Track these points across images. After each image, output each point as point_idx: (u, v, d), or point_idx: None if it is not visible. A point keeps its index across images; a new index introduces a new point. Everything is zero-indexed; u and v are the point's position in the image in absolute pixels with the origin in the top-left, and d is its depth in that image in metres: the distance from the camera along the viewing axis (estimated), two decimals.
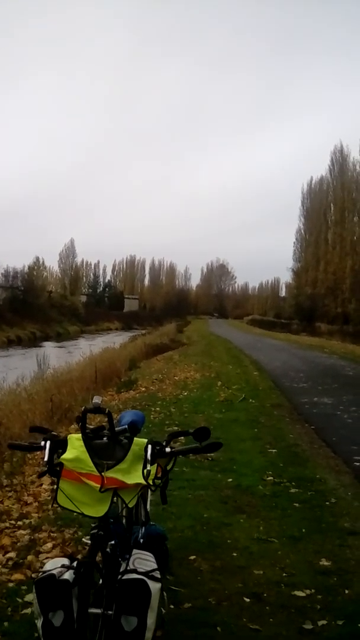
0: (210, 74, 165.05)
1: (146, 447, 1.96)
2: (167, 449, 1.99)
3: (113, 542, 2.01)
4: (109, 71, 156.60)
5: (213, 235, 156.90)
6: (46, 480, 4.77)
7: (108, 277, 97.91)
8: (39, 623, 1.85)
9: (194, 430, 2.00)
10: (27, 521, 4.04)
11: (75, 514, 1.97)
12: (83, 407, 2.04)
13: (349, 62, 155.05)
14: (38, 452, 2.10)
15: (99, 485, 1.89)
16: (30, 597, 2.66)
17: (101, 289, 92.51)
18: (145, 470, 1.90)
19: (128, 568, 1.93)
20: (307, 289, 51.36)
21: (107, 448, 1.99)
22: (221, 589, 3.08)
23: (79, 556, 2.33)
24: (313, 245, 52.11)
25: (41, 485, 4.85)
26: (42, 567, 2.11)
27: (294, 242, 56.09)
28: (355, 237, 44.49)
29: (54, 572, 1.87)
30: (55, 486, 1.98)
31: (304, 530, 3.93)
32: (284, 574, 3.27)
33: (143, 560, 2.01)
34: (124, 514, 2.44)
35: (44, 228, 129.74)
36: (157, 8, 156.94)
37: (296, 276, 56.43)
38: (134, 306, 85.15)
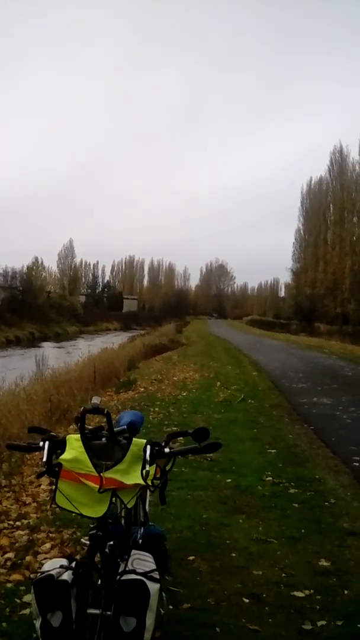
0: (210, 74, 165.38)
1: (145, 448, 1.96)
2: (166, 450, 1.98)
3: (112, 542, 2.01)
4: (109, 71, 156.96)
5: (212, 235, 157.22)
6: (45, 480, 4.76)
7: (107, 278, 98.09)
8: (38, 624, 1.85)
9: (193, 430, 1.99)
10: (25, 521, 4.04)
11: (73, 514, 1.97)
12: (82, 408, 2.03)
13: (349, 62, 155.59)
14: (37, 453, 2.10)
15: (97, 486, 1.89)
16: (29, 597, 2.65)
17: (100, 289, 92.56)
18: (144, 471, 1.90)
19: (127, 569, 1.92)
20: (306, 289, 51.35)
21: (105, 448, 1.98)
22: (220, 590, 3.08)
23: (78, 557, 2.33)
24: (312, 246, 52.10)
25: (40, 485, 4.84)
26: (40, 568, 2.10)
27: (293, 243, 56.14)
28: (354, 238, 44.46)
29: (53, 572, 1.87)
30: (53, 487, 1.97)
31: (303, 530, 3.93)
32: (283, 575, 3.26)
33: (142, 561, 2.00)
34: (122, 514, 2.44)
35: (43, 228, 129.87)
36: (157, 8, 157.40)
37: (295, 276, 56.41)
38: (132, 306, 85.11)
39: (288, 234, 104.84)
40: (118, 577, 1.89)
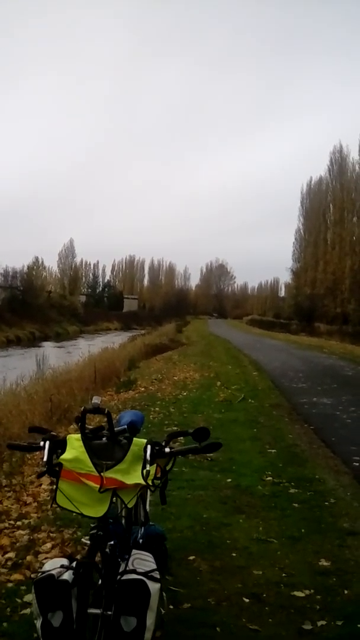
0: (210, 74, 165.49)
1: (145, 448, 1.96)
2: (167, 449, 1.98)
3: (112, 542, 2.01)
4: (109, 71, 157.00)
5: (212, 235, 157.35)
6: (45, 480, 4.76)
7: (107, 277, 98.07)
8: (38, 623, 1.85)
9: (193, 430, 2.00)
10: (26, 521, 4.04)
11: (74, 514, 1.97)
12: (82, 408, 2.03)
13: (349, 62, 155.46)
14: (37, 453, 2.10)
15: (98, 486, 1.89)
16: (30, 597, 2.65)
17: (100, 289, 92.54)
18: (144, 471, 1.90)
19: (127, 568, 1.93)
20: (306, 289, 51.33)
21: (106, 448, 1.99)
22: (220, 590, 3.08)
23: (78, 556, 2.33)
24: (312, 246, 52.08)
25: (40, 485, 4.84)
26: (41, 568, 2.10)
27: (293, 242, 56.12)
28: (354, 238, 44.41)
29: (53, 572, 1.87)
30: (54, 486, 1.97)
31: (303, 530, 3.93)
32: (284, 575, 3.26)
33: (142, 561, 2.01)
34: (123, 514, 2.44)
35: (44, 228, 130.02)
36: (157, 8, 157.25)
37: (295, 276, 56.40)
38: (133, 306, 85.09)
39: (288, 233, 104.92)
40: (118, 576, 1.89)
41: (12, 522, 4.04)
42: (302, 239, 55.05)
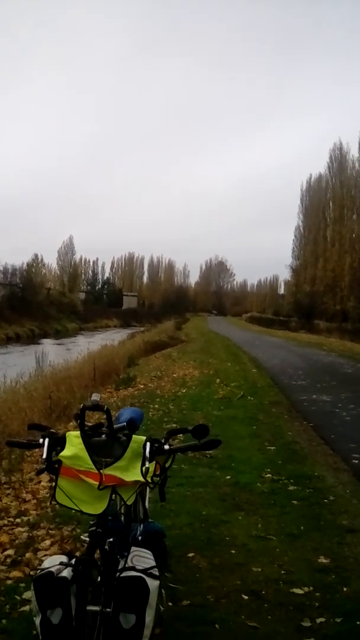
0: (210, 74, 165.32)
1: (145, 445, 1.96)
2: (166, 447, 1.98)
3: (111, 539, 2.01)
4: (109, 67, 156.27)
5: (212, 232, 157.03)
6: (44, 477, 4.76)
7: (107, 274, 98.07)
8: (37, 620, 1.85)
9: (193, 427, 1.99)
10: (25, 518, 4.04)
11: (73, 511, 1.97)
12: (81, 405, 2.03)
13: (349, 62, 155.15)
14: (36, 450, 2.09)
15: (97, 483, 1.89)
16: (29, 594, 2.65)
17: (100, 286, 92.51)
18: (143, 468, 1.90)
19: (126, 565, 1.93)
20: (305, 286, 51.34)
21: (105, 445, 1.98)
22: (219, 587, 3.08)
23: (78, 553, 2.33)
24: (312, 243, 52.09)
25: (39, 482, 4.84)
26: (40, 565, 2.10)
27: (293, 240, 56.19)
28: (354, 235, 44.44)
29: (52, 569, 1.87)
30: (53, 483, 1.97)
31: (302, 527, 3.93)
32: (283, 572, 3.27)
33: (141, 558, 2.01)
34: (122, 511, 2.44)
35: (43, 225, 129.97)
36: (156, 8, 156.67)
37: (295, 274, 56.42)
38: (132, 303, 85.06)
39: (288, 231, 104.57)
40: (118, 574, 1.89)
41: (11, 519, 4.04)
42: (301, 236, 55.08)
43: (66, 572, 1.85)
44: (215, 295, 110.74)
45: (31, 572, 3.06)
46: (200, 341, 26.86)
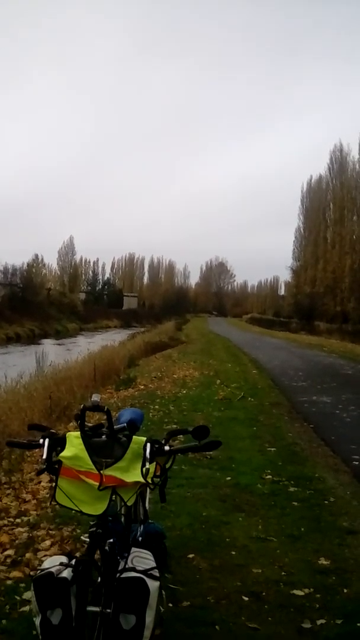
0: (210, 74, 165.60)
1: (145, 445, 1.95)
2: (166, 447, 1.98)
3: (112, 540, 2.00)
4: (110, 67, 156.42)
5: (212, 233, 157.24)
6: (45, 478, 4.76)
7: (107, 275, 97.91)
8: (37, 621, 1.85)
9: (193, 428, 1.99)
10: (25, 519, 4.04)
11: (73, 511, 1.97)
12: (82, 405, 2.03)
13: (349, 63, 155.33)
14: (37, 450, 2.09)
15: (97, 483, 1.89)
16: (29, 594, 2.65)
17: (100, 286, 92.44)
18: (144, 469, 1.90)
19: (126, 566, 1.93)
20: (306, 287, 51.34)
21: (105, 446, 1.98)
22: (220, 588, 3.07)
23: (78, 554, 2.33)
24: (312, 244, 52.06)
25: (40, 482, 4.84)
26: (40, 565, 2.10)
27: (294, 241, 56.12)
28: (354, 236, 44.40)
29: (53, 570, 1.87)
30: (53, 484, 1.97)
31: (302, 529, 3.93)
32: (283, 573, 3.26)
33: (141, 559, 2.00)
34: (122, 512, 2.44)
35: (44, 226, 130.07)
36: (156, 8, 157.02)
37: (295, 275, 56.38)
38: (133, 304, 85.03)
39: (288, 232, 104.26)
40: (118, 574, 1.89)
41: (11, 519, 4.04)
42: (302, 237, 55.05)
43: (66, 573, 1.84)
44: (216, 296, 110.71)
45: (31, 573, 3.06)
46: (201, 342, 26.86)
